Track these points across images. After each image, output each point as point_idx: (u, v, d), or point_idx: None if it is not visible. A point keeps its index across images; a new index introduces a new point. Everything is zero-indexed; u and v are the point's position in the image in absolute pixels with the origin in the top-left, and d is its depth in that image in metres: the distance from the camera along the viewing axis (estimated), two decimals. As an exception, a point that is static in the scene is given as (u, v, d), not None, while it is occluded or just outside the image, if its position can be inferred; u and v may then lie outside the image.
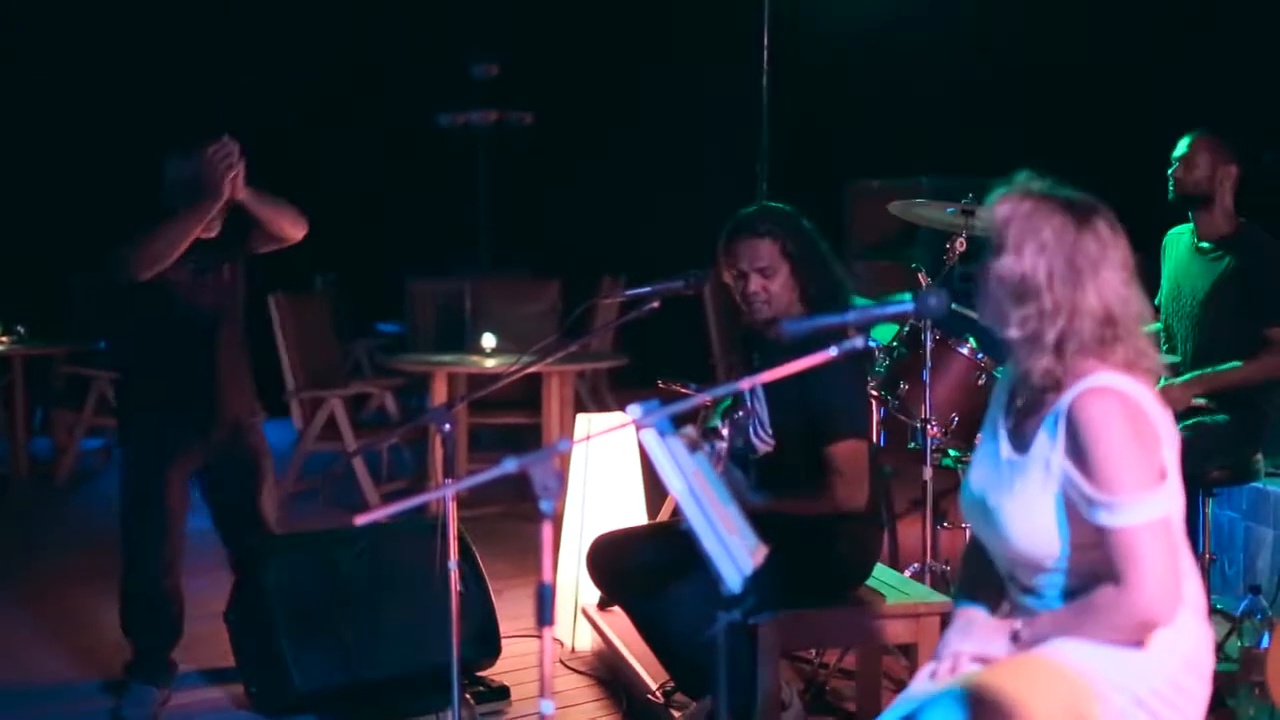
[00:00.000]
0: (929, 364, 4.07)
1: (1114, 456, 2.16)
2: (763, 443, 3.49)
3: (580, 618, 4.52)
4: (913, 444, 4.37)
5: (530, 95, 10.61)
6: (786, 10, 5.31)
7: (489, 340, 6.88)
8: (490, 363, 6.59)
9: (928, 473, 4.15)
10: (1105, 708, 2.20)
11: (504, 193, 11.00)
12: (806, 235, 3.48)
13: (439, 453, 3.69)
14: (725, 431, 3.31)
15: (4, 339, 7.79)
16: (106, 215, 4.05)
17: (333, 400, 6.58)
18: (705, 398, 2.50)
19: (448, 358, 6.99)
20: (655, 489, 3.72)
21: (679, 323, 6.28)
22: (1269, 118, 6.34)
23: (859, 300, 3.67)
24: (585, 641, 4.53)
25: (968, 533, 2.59)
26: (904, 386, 4.16)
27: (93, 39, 9.61)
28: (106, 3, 9.53)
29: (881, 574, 3.67)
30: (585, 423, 4.63)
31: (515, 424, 7.36)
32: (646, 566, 3.54)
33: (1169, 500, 2.20)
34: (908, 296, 2.34)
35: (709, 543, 2.08)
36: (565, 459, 4.62)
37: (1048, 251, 2.22)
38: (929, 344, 4.08)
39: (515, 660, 4.35)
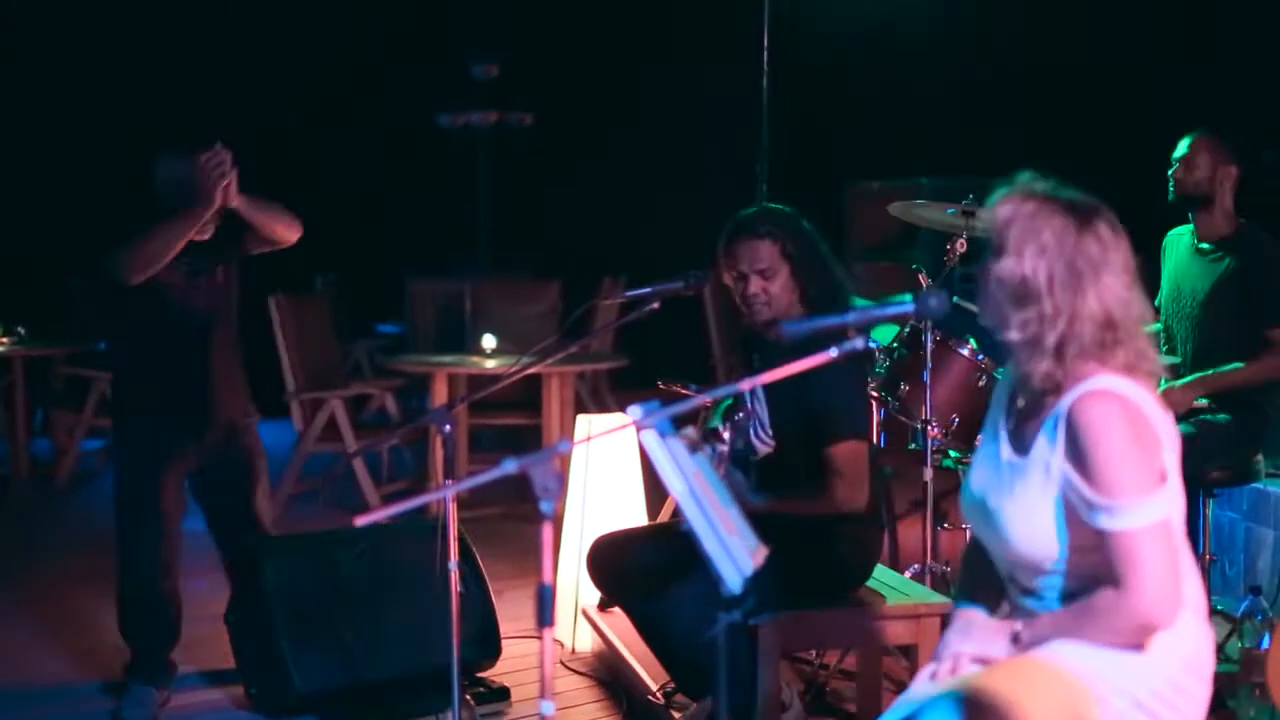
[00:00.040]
0: (929, 365, 4.07)
1: (1114, 460, 2.15)
2: (763, 444, 3.49)
3: (580, 619, 4.52)
4: (913, 445, 4.37)
5: (530, 95, 10.61)
6: (786, 10, 5.31)
7: (489, 341, 6.88)
8: (490, 364, 6.59)
9: (928, 474, 4.15)
10: (1104, 710, 2.20)
11: (504, 193, 11.00)
12: (806, 236, 3.48)
13: (439, 454, 3.69)
14: (726, 435, 3.31)
15: (4, 340, 7.79)
16: (106, 215, 4.04)
17: (333, 401, 6.58)
18: (705, 398, 2.50)
19: (448, 358, 6.99)
20: (655, 490, 3.72)
21: (679, 324, 6.28)
22: (1269, 118, 6.34)
23: (859, 301, 3.67)
24: (585, 642, 4.53)
25: (968, 534, 2.59)
26: (904, 387, 4.16)
27: (93, 39, 9.61)
28: (106, 3, 9.53)
29: (882, 575, 3.67)
30: (585, 424, 4.63)
31: (515, 425, 7.36)
32: (647, 567, 3.54)
33: (1169, 503, 2.20)
34: (908, 297, 2.34)
35: (709, 544, 2.08)
36: (565, 460, 4.62)
37: (1048, 254, 2.22)
38: (929, 345, 4.08)
39: (515, 661, 4.35)
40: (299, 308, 6.79)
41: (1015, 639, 2.31)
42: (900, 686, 3.75)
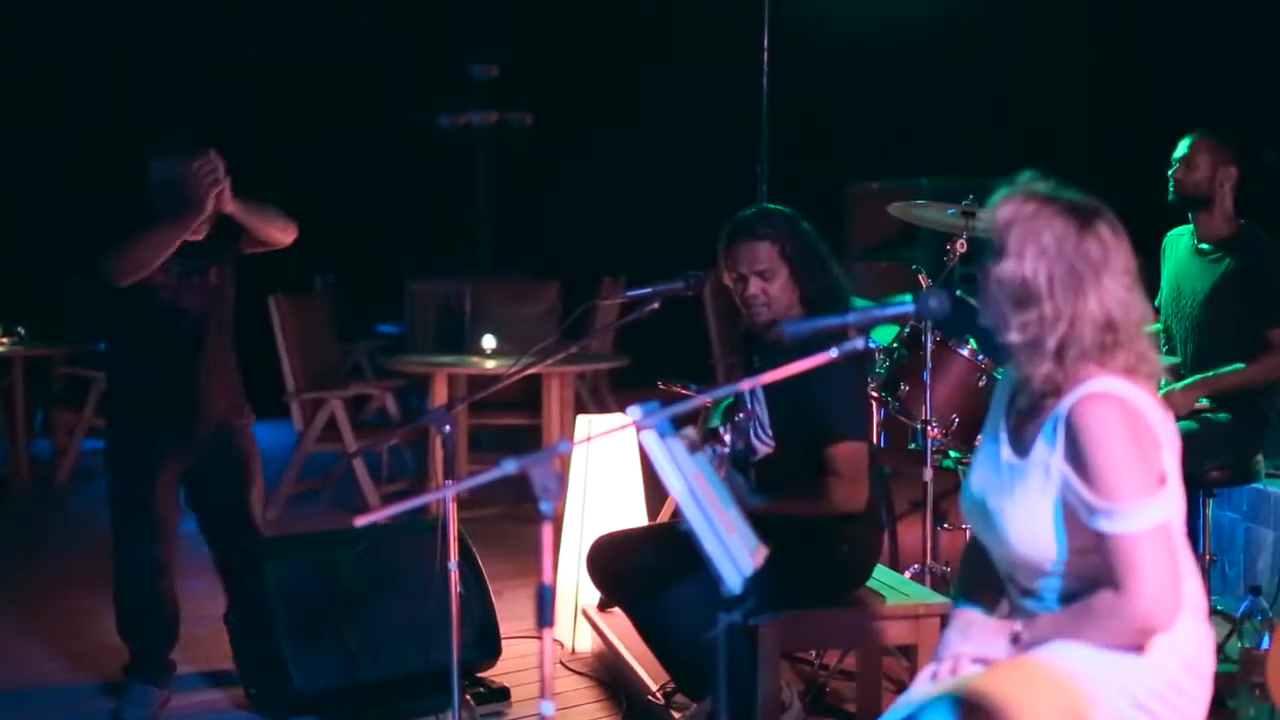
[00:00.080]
0: (929, 365, 4.07)
1: (1113, 462, 2.15)
2: (763, 444, 3.49)
3: (580, 619, 4.52)
4: (913, 445, 4.37)
5: (530, 96, 10.61)
6: (786, 10, 5.30)
7: (489, 341, 6.88)
8: (490, 364, 6.59)
9: (928, 474, 4.15)
10: (1101, 711, 2.20)
11: (504, 193, 11.00)
12: (805, 237, 3.48)
13: (439, 454, 3.69)
14: (726, 436, 3.31)
15: (4, 340, 7.79)
16: (100, 215, 4.04)
17: (333, 401, 6.58)
18: (705, 399, 2.50)
19: (448, 359, 6.99)
20: (655, 490, 3.72)
21: (679, 324, 6.28)
22: (1269, 118, 6.34)
23: (859, 301, 3.68)
24: (585, 643, 4.53)
25: (967, 534, 2.59)
26: (904, 388, 4.16)
27: (93, 39, 9.61)
28: (106, 3, 9.53)
29: (882, 575, 3.67)
30: (585, 424, 4.63)
31: (515, 425, 7.36)
32: (646, 568, 3.54)
33: (1169, 505, 2.20)
34: (908, 298, 2.34)
35: (709, 544, 2.08)
36: (565, 460, 4.62)
37: (1049, 256, 2.21)
38: (929, 345, 4.08)
39: (515, 661, 4.35)
40: (299, 308, 6.80)
41: (1015, 639, 2.31)
42: (900, 686, 3.75)
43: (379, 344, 9.80)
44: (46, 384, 8.29)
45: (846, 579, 3.51)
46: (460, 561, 3.20)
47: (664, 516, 4.56)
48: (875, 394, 4.15)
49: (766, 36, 5.20)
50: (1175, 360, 4.15)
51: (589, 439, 4.40)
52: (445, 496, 2.87)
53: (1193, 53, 7.26)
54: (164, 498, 4.04)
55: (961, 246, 4.35)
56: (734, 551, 2.09)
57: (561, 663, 4.43)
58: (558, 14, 10.18)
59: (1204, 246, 4.15)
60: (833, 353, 2.24)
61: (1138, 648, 2.21)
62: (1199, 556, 3.96)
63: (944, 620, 2.51)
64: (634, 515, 4.56)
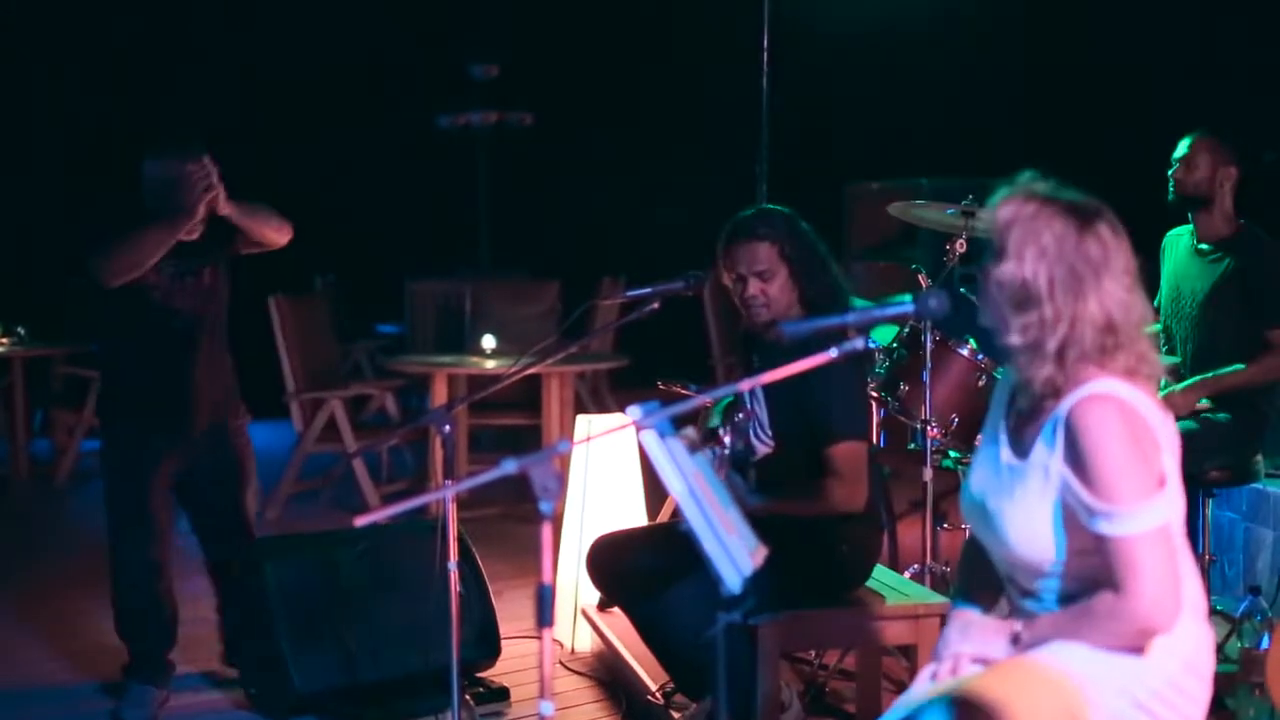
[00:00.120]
0: (929, 365, 4.07)
1: (1113, 465, 2.15)
2: (763, 444, 3.49)
3: (580, 619, 4.52)
4: (913, 445, 4.37)
5: (530, 96, 10.61)
6: (786, 10, 5.31)
7: (489, 341, 6.88)
8: (490, 364, 6.59)
9: (928, 474, 4.15)
10: (1099, 712, 2.20)
11: (504, 193, 11.00)
12: (805, 237, 3.48)
13: (439, 454, 3.69)
14: (726, 438, 3.31)
15: (4, 340, 7.79)
16: (93, 215, 4.03)
17: (333, 401, 6.58)
18: (705, 399, 2.50)
19: (447, 359, 6.99)
20: (655, 490, 3.72)
21: (679, 324, 6.28)
22: (1269, 118, 6.34)
23: (858, 301, 3.67)
24: (585, 642, 4.53)
25: (967, 534, 2.59)
26: (904, 388, 4.16)
27: (92, 39, 9.61)
28: (106, 3, 9.53)
29: (881, 575, 3.67)
30: (585, 424, 4.63)
31: (515, 425, 7.36)
32: (646, 568, 3.54)
33: (1168, 507, 2.20)
34: (908, 298, 2.34)
35: (709, 544, 2.08)
36: (565, 460, 4.62)
37: (1049, 258, 2.20)
38: (929, 345, 4.08)
39: (515, 661, 4.35)
40: (299, 308, 6.80)
41: (1015, 640, 2.31)
42: (900, 686, 3.75)
43: (379, 344, 9.81)
44: (46, 384, 8.30)
45: (846, 579, 3.51)
46: (460, 561, 3.20)
47: (664, 516, 4.56)
48: (875, 394, 4.15)
49: (766, 36, 5.20)
50: (1175, 360, 4.15)
51: (589, 439, 4.40)
52: (445, 496, 2.87)
53: (1193, 53, 7.27)
54: (159, 499, 4.03)
55: (961, 246, 4.35)
56: (733, 551, 2.09)
57: (561, 663, 4.43)
58: (558, 14, 10.18)
59: (1204, 246, 4.15)
60: (832, 353, 2.24)
61: (1138, 649, 2.21)
62: (1198, 556, 3.96)
63: (943, 620, 2.51)
64: (634, 515, 4.56)
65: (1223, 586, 4.89)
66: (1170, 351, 4.20)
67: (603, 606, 4.39)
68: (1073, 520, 2.22)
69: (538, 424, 6.85)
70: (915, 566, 4.23)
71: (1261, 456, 4.22)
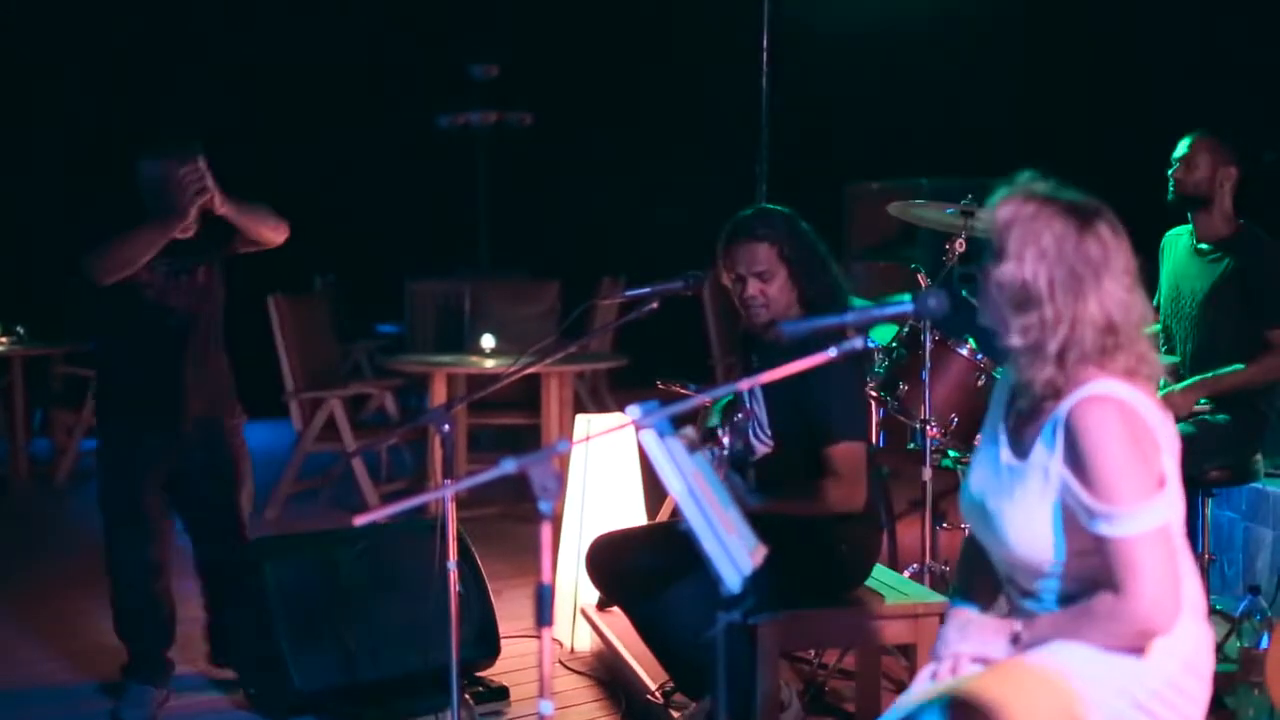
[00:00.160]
0: (928, 365, 4.07)
1: (1112, 466, 2.15)
2: (762, 444, 3.49)
3: (579, 618, 4.52)
4: (912, 445, 4.37)
5: (530, 96, 10.61)
6: (786, 10, 5.31)
7: (488, 341, 6.88)
8: (489, 363, 6.59)
9: (927, 473, 4.15)
10: (1100, 712, 2.20)
11: (504, 193, 11.00)
12: (804, 238, 3.47)
13: (438, 453, 3.70)
14: (725, 439, 3.31)
15: (3, 340, 7.79)
16: (87, 213, 4.04)
17: (332, 401, 6.58)
18: (705, 398, 2.50)
19: (447, 358, 6.99)
20: (655, 490, 3.72)
21: (678, 324, 6.28)
22: (1269, 118, 6.34)
23: (858, 301, 3.67)
24: (584, 642, 4.53)
25: (966, 533, 2.59)
26: (903, 387, 4.16)
27: (93, 39, 9.61)
28: (106, 3, 9.53)
29: (881, 574, 3.67)
30: (584, 423, 4.63)
31: (514, 425, 7.36)
32: (646, 567, 3.54)
33: (1168, 508, 2.19)
34: (907, 297, 2.33)
35: (708, 543, 2.08)
36: (564, 460, 4.62)
37: (1049, 259, 2.20)
38: (928, 345, 4.08)
39: (514, 661, 4.35)
40: (298, 308, 6.80)
41: (1015, 640, 2.31)
42: (899, 686, 3.76)
43: (378, 344, 9.81)
44: (46, 383, 8.30)
45: (845, 578, 3.51)
46: (459, 561, 3.20)
47: (663, 516, 4.56)
48: (874, 393, 4.15)
49: (766, 36, 5.20)
50: (1174, 360, 4.15)
51: (588, 438, 4.39)
52: (444, 496, 2.87)
53: (1193, 53, 7.27)
54: (155, 497, 4.03)
55: (960, 246, 4.35)
56: (733, 551, 2.09)
57: (560, 662, 4.43)
58: (558, 14, 10.18)
59: (1203, 246, 4.15)
60: (831, 352, 2.24)
61: (1138, 649, 2.21)
62: (1198, 556, 3.96)
63: (943, 619, 2.51)
64: (633, 515, 4.56)
65: (1222, 586, 4.89)
66: (1170, 351, 4.20)
67: (602, 606, 4.39)
68: (1072, 521, 2.22)
69: (537, 424, 6.85)
70: (914, 566, 4.23)
71: (1261, 456, 4.22)
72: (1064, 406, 2.21)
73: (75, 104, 9.56)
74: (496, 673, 4.22)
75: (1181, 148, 4.14)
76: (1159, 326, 4.25)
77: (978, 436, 3.23)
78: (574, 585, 4.52)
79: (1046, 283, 2.20)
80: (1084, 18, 8.00)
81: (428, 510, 4.87)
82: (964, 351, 4.15)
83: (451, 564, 3.12)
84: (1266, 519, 4.79)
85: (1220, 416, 4.06)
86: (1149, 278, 4.13)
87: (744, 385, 2.35)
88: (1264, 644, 3.46)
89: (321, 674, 3.90)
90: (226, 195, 3.88)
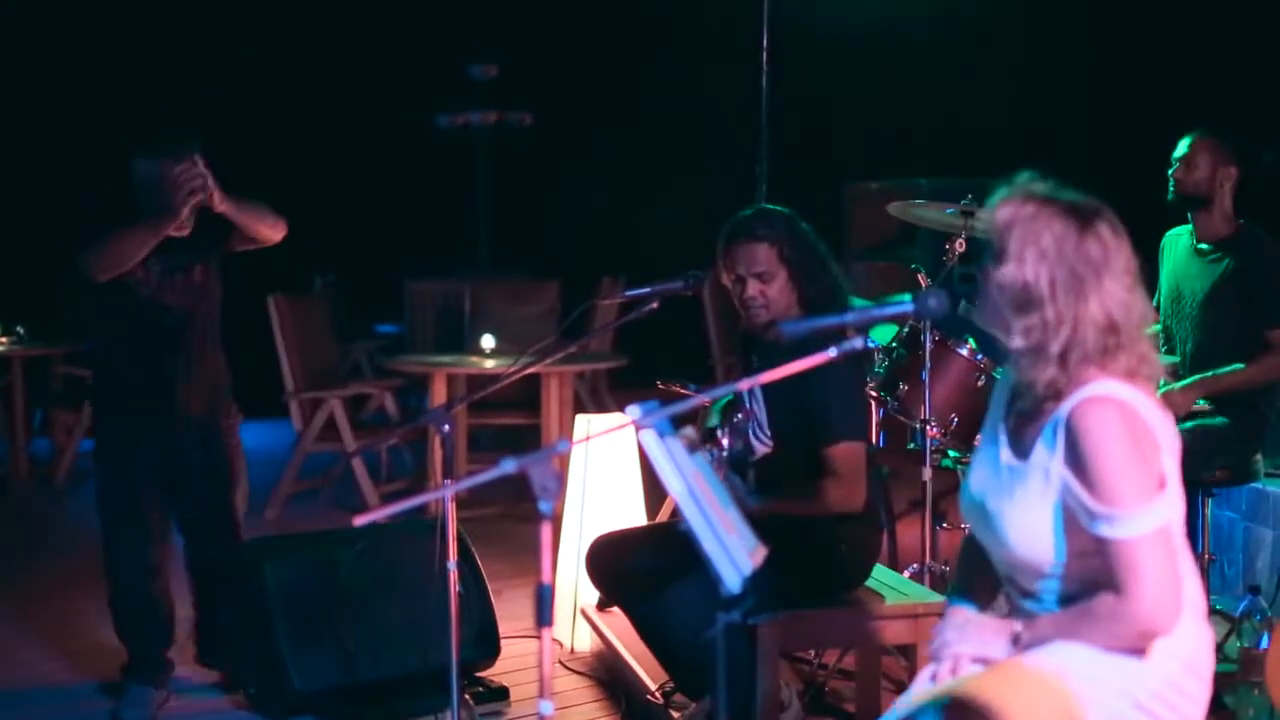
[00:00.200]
0: (928, 365, 4.07)
1: (1113, 467, 2.14)
2: (762, 444, 3.49)
3: (579, 618, 4.52)
4: (912, 445, 4.37)
5: (529, 96, 10.62)
6: (786, 10, 5.31)
7: (488, 341, 6.88)
8: (489, 364, 6.59)
9: (927, 473, 4.15)
10: (1099, 713, 2.20)
11: (503, 193, 11.00)
12: (804, 238, 3.47)
13: (438, 453, 3.70)
14: (725, 440, 3.31)
15: (3, 340, 7.79)
16: (83, 211, 4.03)
17: (332, 401, 6.58)
18: (705, 398, 2.50)
19: (447, 359, 6.99)
20: (655, 490, 3.72)
21: (678, 324, 6.28)
22: (1269, 118, 6.34)
23: (858, 301, 3.67)
24: (584, 642, 4.53)
25: (965, 532, 2.59)
26: (903, 387, 4.16)
27: (93, 39, 9.61)
28: (106, 3, 9.53)
29: (881, 575, 3.67)
30: (584, 423, 4.63)
31: (514, 425, 7.37)
32: (645, 567, 3.54)
33: (1169, 508, 2.19)
34: (907, 297, 2.33)
35: (708, 543, 2.08)
36: (564, 460, 4.62)
37: (1049, 260, 2.20)
38: (928, 345, 4.08)
39: (514, 661, 4.35)
40: (298, 308, 6.80)
41: (1015, 640, 2.31)
42: (899, 686, 3.75)
43: (378, 344, 9.81)
44: (45, 384, 8.30)
45: (845, 579, 3.51)
46: (459, 561, 3.20)
47: (663, 516, 4.56)
48: (874, 393, 4.15)
49: (766, 36, 5.20)
50: (1174, 360, 4.15)
51: (588, 438, 4.40)
52: (444, 496, 2.87)
53: (1193, 53, 7.27)
54: (152, 497, 4.03)
55: (960, 246, 4.35)
56: (733, 551, 2.09)
57: (560, 662, 4.43)
58: (557, 14, 10.18)
59: (1203, 246, 4.15)
60: (831, 352, 2.24)
61: (1138, 650, 2.21)
62: (1198, 556, 3.97)
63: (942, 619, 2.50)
64: (633, 515, 4.55)
65: (1222, 586, 4.89)
66: (1170, 352, 4.20)
67: (602, 606, 4.39)
68: (1073, 522, 2.21)
69: (537, 424, 6.85)
70: (914, 566, 4.23)
71: (1261, 456, 4.22)
72: (1065, 407, 2.21)
73: (75, 104, 9.56)
74: (496, 673, 4.22)
75: (1181, 148, 4.14)
76: (1159, 327, 4.25)
77: (978, 436, 3.23)
78: (574, 585, 4.52)
79: (1048, 284, 2.20)
80: (1084, 18, 8.00)
81: (428, 510, 4.87)
82: (964, 351, 4.15)
83: (451, 564, 3.12)
84: (1266, 519, 4.79)
85: (1219, 420, 4.06)
86: (1149, 278, 4.13)
87: (744, 385, 2.35)
88: (1264, 644, 3.46)
89: (321, 674, 3.90)
90: (225, 193, 3.88)
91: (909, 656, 3.61)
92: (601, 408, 8.11)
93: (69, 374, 8.21)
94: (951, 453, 4.40)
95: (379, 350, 9.43)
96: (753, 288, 3.42)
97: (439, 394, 6.61)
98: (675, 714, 3.67)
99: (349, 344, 9.31)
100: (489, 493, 5.99)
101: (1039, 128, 7.97)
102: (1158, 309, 4.26)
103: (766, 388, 3.41)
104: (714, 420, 3.67)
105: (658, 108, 9.98)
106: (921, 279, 4.43)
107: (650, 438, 2.09)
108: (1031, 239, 2.21)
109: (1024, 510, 2.27)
